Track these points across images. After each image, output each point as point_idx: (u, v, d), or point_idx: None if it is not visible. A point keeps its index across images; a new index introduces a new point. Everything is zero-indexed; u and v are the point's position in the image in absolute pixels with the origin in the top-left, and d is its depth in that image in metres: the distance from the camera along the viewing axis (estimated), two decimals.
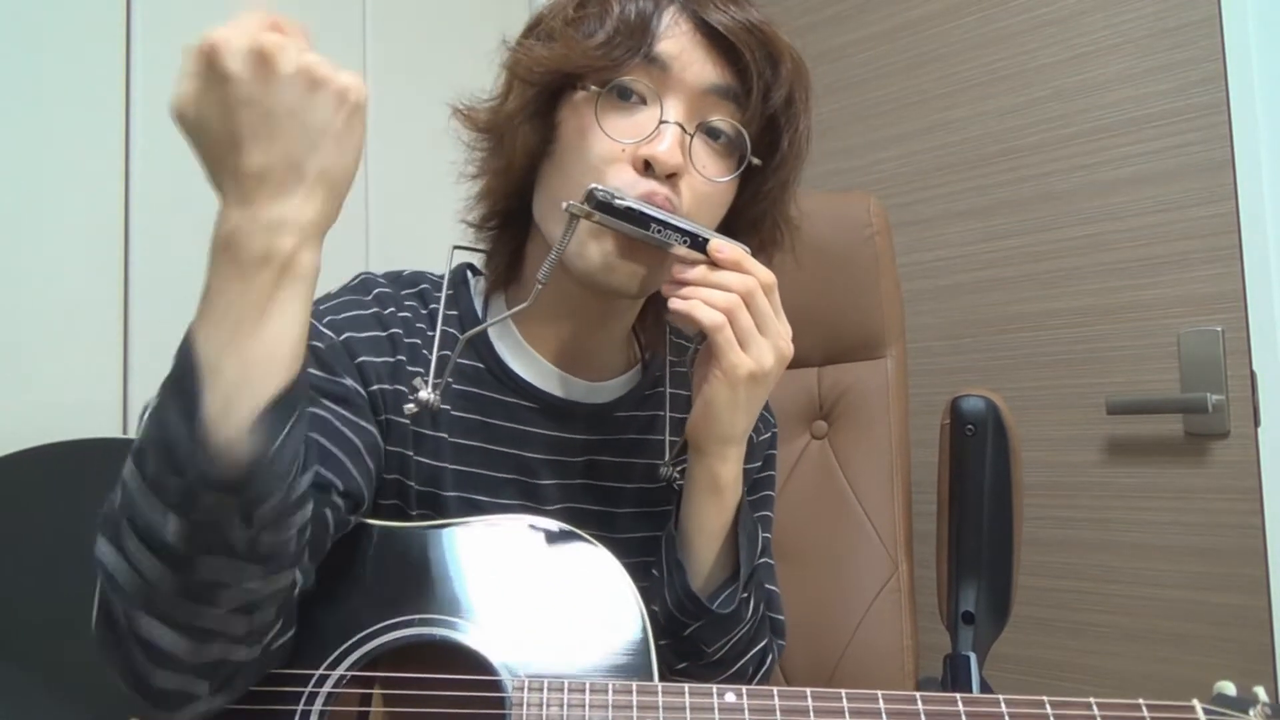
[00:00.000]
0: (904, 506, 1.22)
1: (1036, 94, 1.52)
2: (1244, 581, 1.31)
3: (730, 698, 0.61)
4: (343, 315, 0.73)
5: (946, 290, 1.60)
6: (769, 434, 0.90)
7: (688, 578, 0.72)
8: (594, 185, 0.66)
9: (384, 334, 0.73)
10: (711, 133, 0.71)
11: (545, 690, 0.61)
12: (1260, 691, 0.65)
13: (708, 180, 0.71)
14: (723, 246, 0.67)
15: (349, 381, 0.69)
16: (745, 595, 0.73)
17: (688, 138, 0.69)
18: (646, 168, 0.68)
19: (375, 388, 0.71)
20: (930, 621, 1.15)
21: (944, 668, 0.99)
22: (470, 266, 0.85)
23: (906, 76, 1.66)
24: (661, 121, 0.68)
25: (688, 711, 0.61)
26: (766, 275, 0.68)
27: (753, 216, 0.77)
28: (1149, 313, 1.41)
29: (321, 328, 0.71)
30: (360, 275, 0.78)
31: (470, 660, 0.63)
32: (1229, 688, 0.66)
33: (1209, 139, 1.36)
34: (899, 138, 1.67)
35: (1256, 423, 1.32)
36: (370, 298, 0.75)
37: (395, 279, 0.79)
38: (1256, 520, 1.30)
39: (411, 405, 0.72)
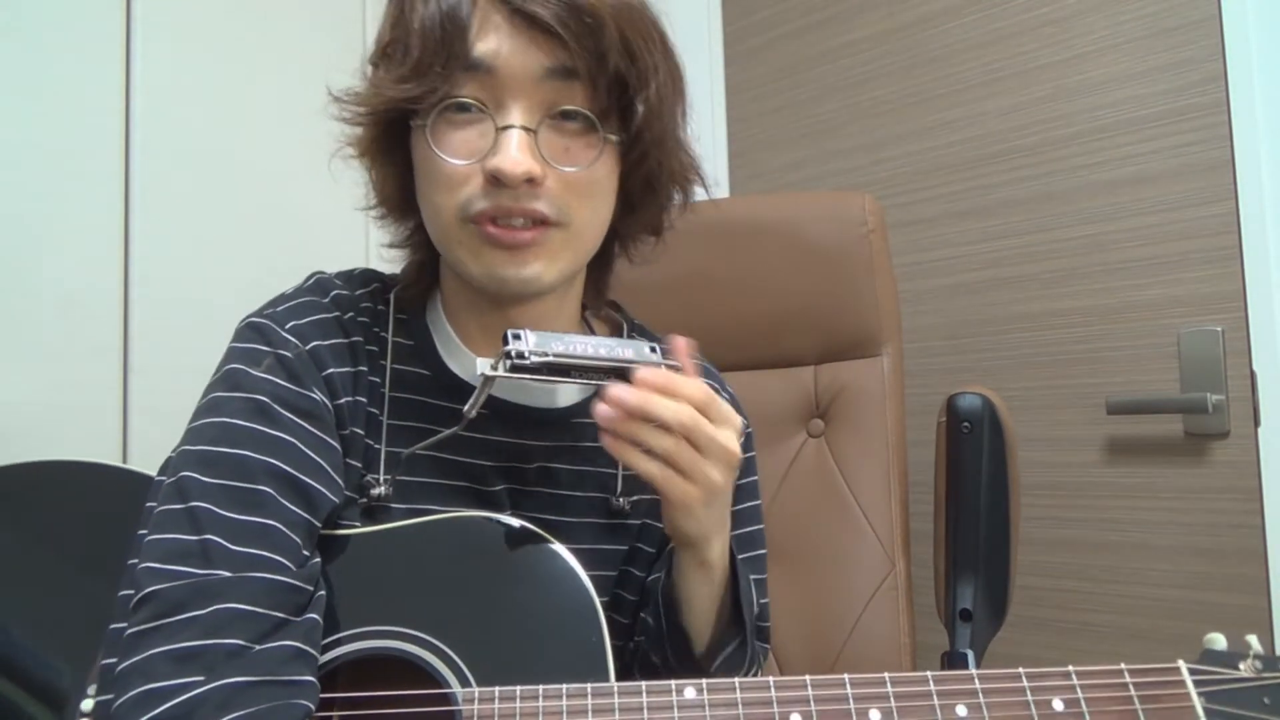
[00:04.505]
0: (901, 505, 1.22)
1: (1036, 94, 1.52)
2: (1244, 581, 1.30)
3: (690, 693, 0.60)
4: (306, 320, 0.70)
5: (946, 290, 1.60)
6: (741, 438, 0.88)
7: (692, 646, 0.73)
8: (507, 346, 0.62)
9: (345, 341, 0.71)
10: (563, 116, 0.66)
11: (496, 700, 0.59)
12: (1253, 640, 0.62)
13: (567, 170, 0.66)
14: (648, 378, 0.63)
15: (317, 395, 0.67)
16: (745, 651, 0.75)
17: (532, 136, 0.65)
18: (497, 181, 0.64)
19: (342, 400, 0.69)
20: (928, 620, 1.15)
21: (942, 665, 0.99)
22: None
23: (906, 76, 1.66)
24: (499, 129, 0.64)
25: (645, 711, 0.59)
26: (699, 393, 0.64)
27: (645, 177, 0.73)
28: (1149, 313, 1.40)
29: (285, 334, 0.68)
30: (314, 275, 0.75)
31: (421, 671, 0.62)
32: (1219, 641, 0.63)
33: (1209, 139, 1.36)
34: (899, 138, 1.67)
35: (1256, 423, 1.31)
36: (328, 300, 0.72)
37: (349, 278, 0.76)
38: (1256, 520, 1.30)
39: (365, 501, 0.69)
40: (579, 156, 0.67)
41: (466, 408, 0.66)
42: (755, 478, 0.88)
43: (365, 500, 0.69)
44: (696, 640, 0.73)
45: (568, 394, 0.79)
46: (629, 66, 0.66)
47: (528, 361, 0.63)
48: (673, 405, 0.63)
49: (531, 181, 0.64)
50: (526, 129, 0.64)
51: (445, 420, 0.73)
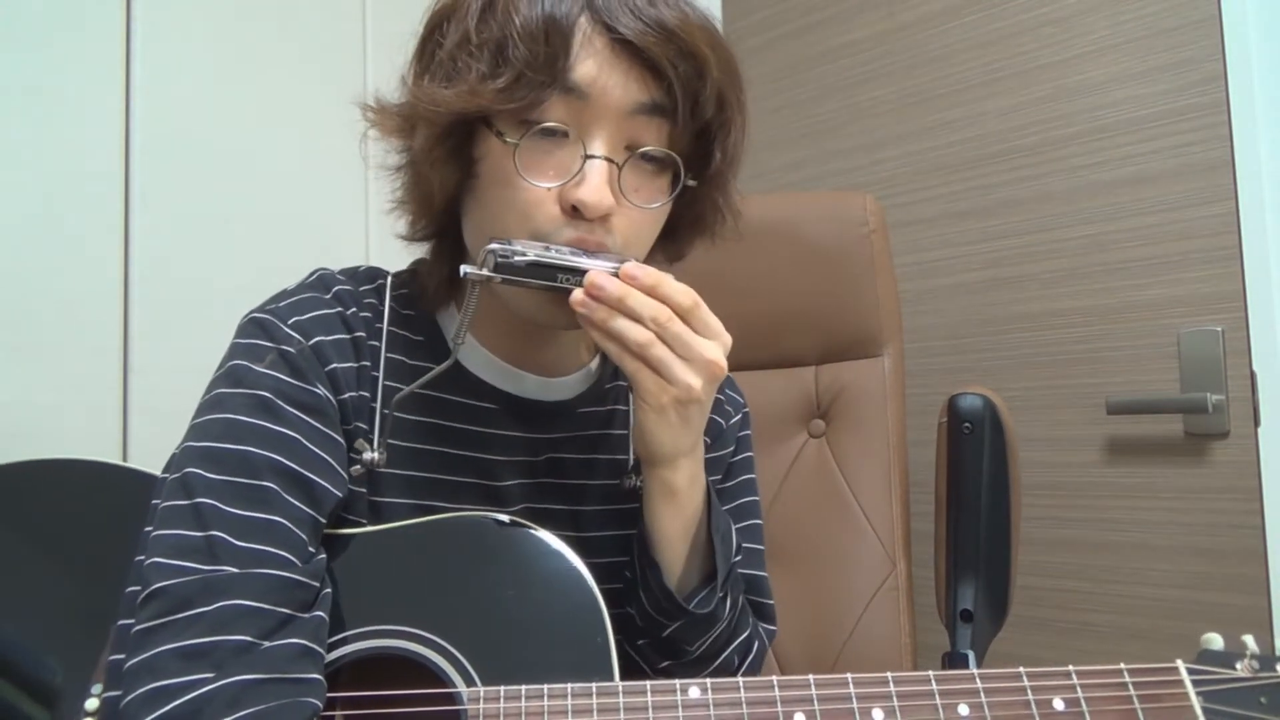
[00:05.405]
0: (902, 505, 1.22)
1: (1036, 94, 1.52)
2: (1244, 581, 1.30)
3: (694, 693, 0.60)
4: (308, 316, 0.69)
5: (946, 290, 1.60)
6: (738, 415, 0.87)
7: (663, 577, 0.71)
8: (491, 245, 0.62)
9: (348, 337, 0.70)
10: (642, 156, 0.66)
11: (502, 700, 0.60)
12: (1249, 640, 0.62)
13: (641, 207, 0.67)
14: (635, 273, 0.63)
15: (320, 390, 0.66)
16: (722, 595, 0.72)
17: (617, 169, 0.65)
18: (575, 211, 0.64)
19: (345, 395, 0.68)
20: (928, 620, 1.15)
21: (942, 666, 0.99)
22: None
23: (906, 76, 1.66)
24: (586, 157, 0.64)
25: (650, 711, 0.59)
26: (684, 297, 0.64)
27: (696, 218, 0.75)
28: (1149, 313, 1.40)
29: (288, 329, 0.67)
30: (317, 271, 0.74)
31: (425, 670, 0.62)
32: (1216, 641, 0.64)
33: (1209, 139, 1.36)
34: (899, 138, 1.67)
35: (1256, 423, 1.31)
36: (331, 296, 0.71)
37: (353, 274, 0.76)
38: (1256, 520, 1.30)
39: (358, 468, 0.68)
40: (650, 195, 0.67)
41: (457, 326, 0.66)
42: (751, 454, 0.89)
43: (360, 468, 0.68)
44: (669, 572, 0.71)
45: (571, 385, 0.79)
46: (716, 114, 0.67)
47: (513, 262, 0.62)
48: (649, 301, 0.63)
49: (604, 216, 0.64)
50: (612, 161, 0.64)
51: (457, 415, 0.73)
